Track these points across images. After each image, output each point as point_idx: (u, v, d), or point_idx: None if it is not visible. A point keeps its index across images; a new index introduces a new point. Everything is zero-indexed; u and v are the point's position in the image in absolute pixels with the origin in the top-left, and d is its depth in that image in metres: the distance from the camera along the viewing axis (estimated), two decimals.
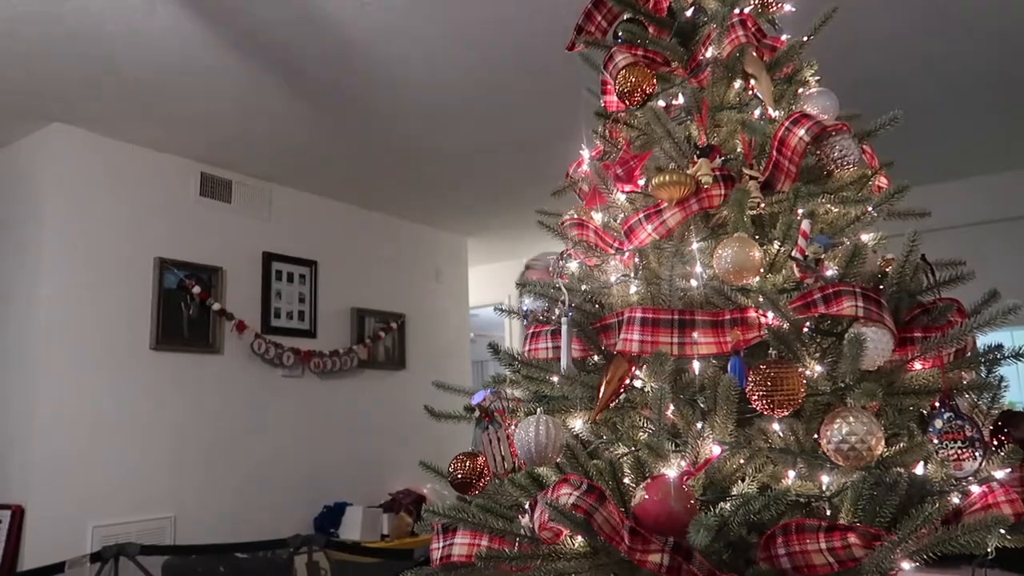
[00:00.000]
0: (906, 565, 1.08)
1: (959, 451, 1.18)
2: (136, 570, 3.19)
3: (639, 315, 1.35)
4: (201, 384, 3.83)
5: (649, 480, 1.23)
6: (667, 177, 1.41)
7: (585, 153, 1.77)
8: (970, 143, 4.05)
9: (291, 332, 4.29)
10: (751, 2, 1.63)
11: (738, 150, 1.55)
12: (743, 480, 1.27)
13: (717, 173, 1.44)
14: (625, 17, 1.72)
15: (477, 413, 1.42)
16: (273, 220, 4.33)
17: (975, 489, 1.21)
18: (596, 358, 1.49)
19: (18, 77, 3.03)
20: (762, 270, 1.37)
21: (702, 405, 1.35)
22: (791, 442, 1.24)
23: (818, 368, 1.26)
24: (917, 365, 1.29)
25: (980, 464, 1.19)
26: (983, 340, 1.31)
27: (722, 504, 1.22)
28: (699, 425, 1.30)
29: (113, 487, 3.45)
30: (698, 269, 1.44)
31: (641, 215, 1.46)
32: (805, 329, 1.31)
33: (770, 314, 1.31)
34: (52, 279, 3.41)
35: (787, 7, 1.69)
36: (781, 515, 1.18)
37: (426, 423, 1.60)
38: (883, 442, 1.17)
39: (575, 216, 1.69)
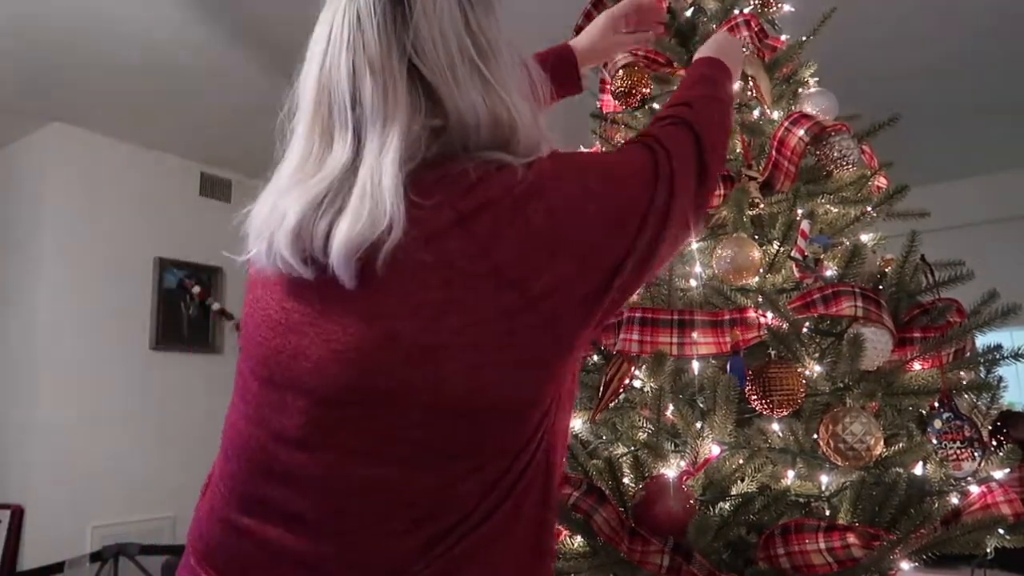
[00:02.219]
0: (905, 565, 1.08)
1: (958, 451, 1.18)
2: (136, 570, 3.19)
3: (638, 315, 1.35)
4: (201, 384, 3.83)
5: (649, 480, 1.23)
6: None
7: None
8: (970, 143, 4.04)
9: None
10: (750, 2, 1.63)
11: (737, 150, 1.55)
12: (742, 480, 1.27)
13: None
14: None
15: None
16: None
17: (974, 489, 1.22)
18: (596, 358, 1.50)
19: (18, 77, 3.03)
20: (761, 270, 1.37)
21: (701, 405, 1.35)
22: (790, 442, 1.24)
23: (817, 368, 1.26)
24: (916, 365, 1.29)
25: (979, 464, 1.19)
26: (982, 340, 1.31)
27: (722, 504, 1.22)
28: (699, 425, 1.30)
29: (113, 487, 3.45)
30: (697, 269, 1.44)
31: None
32: (804, 329, 1.31)
33: (769, 314, 1.31)
34: (52, 279, 3.41)
35: (786, 7, 1.69)
36: (780, 515, 1.18)
37: None
38: (882, 442, 1.17)
39: None
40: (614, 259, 0.70)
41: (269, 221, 0.72)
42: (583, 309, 0.68)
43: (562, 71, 1.17)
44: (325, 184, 0.70)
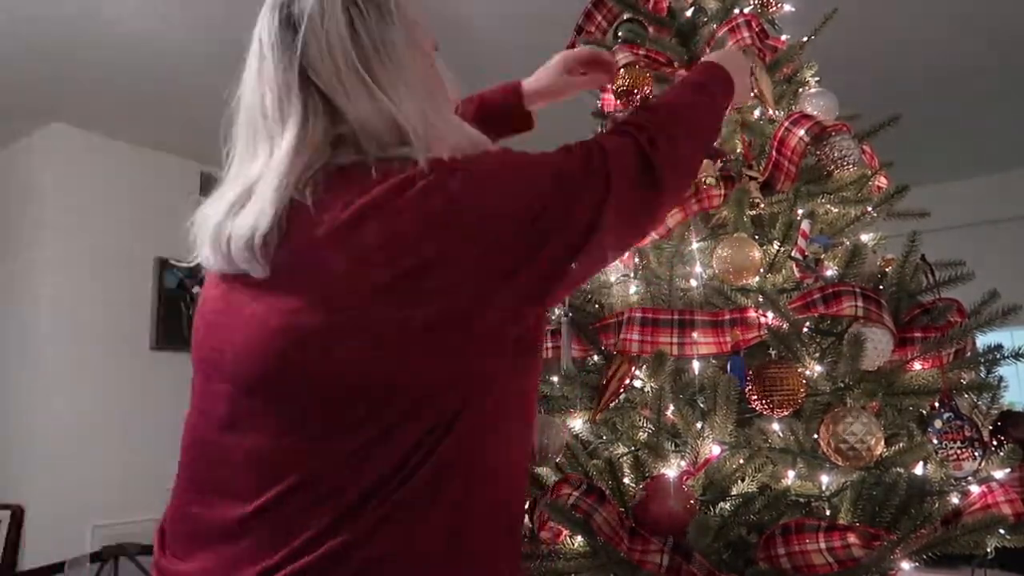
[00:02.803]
0: (906, 565, 1.08)
1: (958, 451, 1.18)
2: (136, 570, 3.19)
3: (639, 315, 1.35)
4: None
5: (649, 480, 1.23)
6: None
7: None
8: (970, 143, 4.05)
9: None
10: (751, 2, 1.63)
11: (738, 150, 1.55)
12: (743, 480, 1.27)
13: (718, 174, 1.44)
14: (625, 17, 1.72)
15: None
16: None
17: (974, 489, 1.22)
18: (596, 358, 1.49)
19: (18, 77, 3.03)
20: (762, 270, 1.37)
21: (702, 405, 1.35)
22: (791, 442, 1.24)
23: (818, 368, 1.26)
24: (917, 365, 1.29)
25: (979, 464, 1.19)
26: (983, 340, 1.31)
27: (722, 504, 1.22)
28: (699, 425, 1.30)
29: (113, 487, 3.45)
30: (698, 269, 1.44)
31: None
32: (805, 329, 1.31)
33: (770, 314, 1.31)
34: (52, 279, 3.40)
35: (787, 7, 1.69)
36: (781, 515, 1.18)
37: None
38: (883, 442, 1.17)
39: None
40: (501, 263, 0.72)
41: (202, 226, 0.81)
42: (479, 299, 0.71)
43: (510, 108, 1.21)
44: (240, 189, 0.78)
